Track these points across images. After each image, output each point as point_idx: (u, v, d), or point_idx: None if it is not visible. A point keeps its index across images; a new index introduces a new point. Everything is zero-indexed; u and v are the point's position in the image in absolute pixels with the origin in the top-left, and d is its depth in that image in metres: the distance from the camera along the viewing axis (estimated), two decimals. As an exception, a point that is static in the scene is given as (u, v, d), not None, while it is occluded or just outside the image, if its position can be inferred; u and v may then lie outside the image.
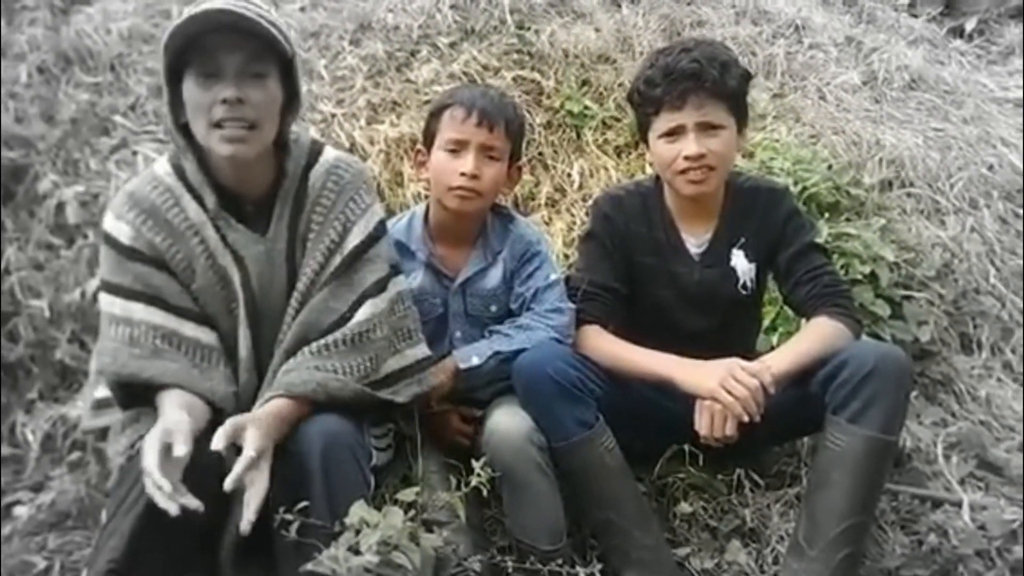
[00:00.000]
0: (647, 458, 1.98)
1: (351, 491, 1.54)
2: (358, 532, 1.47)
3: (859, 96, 3.35)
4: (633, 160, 2.87)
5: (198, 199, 1.68)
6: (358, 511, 1.49)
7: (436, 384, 1.84)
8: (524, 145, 2.13)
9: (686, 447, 1.90)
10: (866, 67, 3.51)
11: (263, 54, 1.61)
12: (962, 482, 2.20)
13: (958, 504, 2.09)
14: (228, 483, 1.44)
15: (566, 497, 1.81)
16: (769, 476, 2.12)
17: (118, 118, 2.90)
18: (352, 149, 2.68)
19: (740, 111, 1.92)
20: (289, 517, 1.47)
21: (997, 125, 3.38)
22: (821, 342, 1.83)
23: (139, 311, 1.64)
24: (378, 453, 1.76)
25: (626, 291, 1.98)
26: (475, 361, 1.89)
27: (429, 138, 1.97)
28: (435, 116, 1.95)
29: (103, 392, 1.73)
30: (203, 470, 1.47)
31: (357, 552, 1.44)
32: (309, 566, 1.43)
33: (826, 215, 2.66)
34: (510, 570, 1.76)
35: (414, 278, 1.95)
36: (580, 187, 2.79)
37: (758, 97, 3.13)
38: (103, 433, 1.86)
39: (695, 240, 2.00)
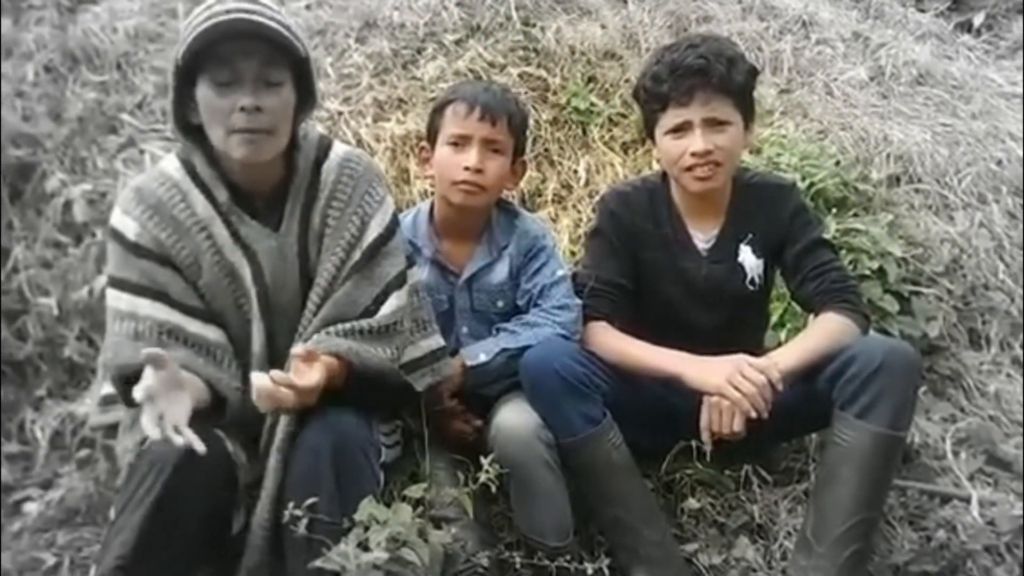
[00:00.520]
0: (654, 454, 1.98)
1: (361, 487, 1.54)
2: (367, 528, 1.47)
3: (866, 92, 3.34)
4: (640, 156, 2.87)
5: (208, 195, 1.69)
6: (367, 508, 1.50)
7: (449, 375, 1.84)
8: (529, 141, 2.13)
9: (693, 443, 1.89)
10: (873, 62, 3.50)
11: (278, 59, 1.62)
12: (971, 478, 2.19)
13: (967, 500, 2.09)
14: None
15: (573, 493, 1.81)
16: (777, 472, 2.11)
17: (125, 116, 2.90)
18: (358, 146, 2.67)
19: (747, 107, 1.91)
20: (299, 513, 1.47)
21: (1005, 120, 3.36)
22: (829, 338, 1.83)
23: (145, 306, 1.65)
24: (386, 450, 1.76)
25: (633, 287, 1.97)
26: (482, 358, 1.89)
27: (433, 134, 1.98)
28: (438, 112, 1.96)
29: (110, 388, 1.73)
30: (210, 464, 1.48)
31: (366, 548, 1.45)
32: (318, 562, 1.44)
33: (834, 211, 2.65)
34: (518, 566, 1.76)
35: (420, 274, 1.95)
36: (586, 183, 2.78)
37: (765, 93, 3.12)
38: (112, 430, 1.86)
39: (702, 236, 2.00)
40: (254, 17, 1.57)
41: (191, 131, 1.67)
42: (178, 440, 1.39)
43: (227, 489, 1.62)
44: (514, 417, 1.79)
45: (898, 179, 2.99)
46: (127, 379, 1.62)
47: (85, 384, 2.48)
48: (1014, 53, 4.07)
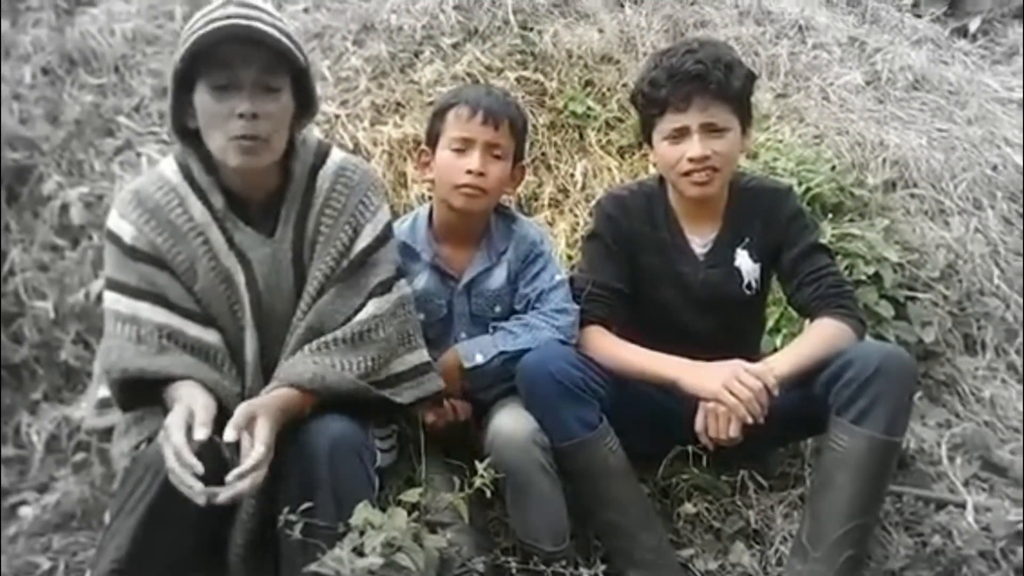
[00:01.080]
0: (651, 459, 1.99)
1: (357, 492, 1.54)
2: (362, 533, 1.47)
3: (863, 96, 3.35)
4: (636, 160, 2.87)
5: (204, 200, 1.68)
6: (362, 512, 1.49)
7: (437, 389, 1.83)
8: (527, 145, 2.13)
9: (690, 448, 1.89)
10: (870, 67, 3.51)
11: (277, 66, 1.61)
12: (966, 483, 2.19)
13: (962, 505, 2.09)
14: (234, 477, 1.43)
15: (570, 498, 1.81)
16: (773, 477, 2.12)
17: (122, 119, 2.90)
18: (356, 150, 2.69)
19: (744, 112, 1.92)
20: (293, 518, 1.47)
21: (1001, 126, 3.37)
22: (824, 343, 1.83)
23: (145, 310, 1.64)
24: (382, 454, 1.77)
25: (630, 292, 1.97)
26: (479, 359, 1.89)
27: (433, 138, 1.96)
28: (439, 116, 1.95)
29: (107, 392, 1.72)
30: (205, 469, 1.47)
31: (361, 553, 1.45)
32: (313, 567, 1.44)
33: (830, 216, 2.66)
34: (514, 571, 1.77)
35: (419, 280, 1.95)
36: (583, 188, 2.79)
37: (761, 98, 3.12)
38: (107, 434, 1.86)
39: (699, 240, 2.00)
40: (254, 23, 1.56)
41: (188, 136, 1.67)
42: (202, 499, 1.39)
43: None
44: (511, 422, 1.79)
45: (894, 184, 3.00)
46: (129, 384, 1.62)
47: (81, 388, 2.48)
48: (1010, 58, 4.08)
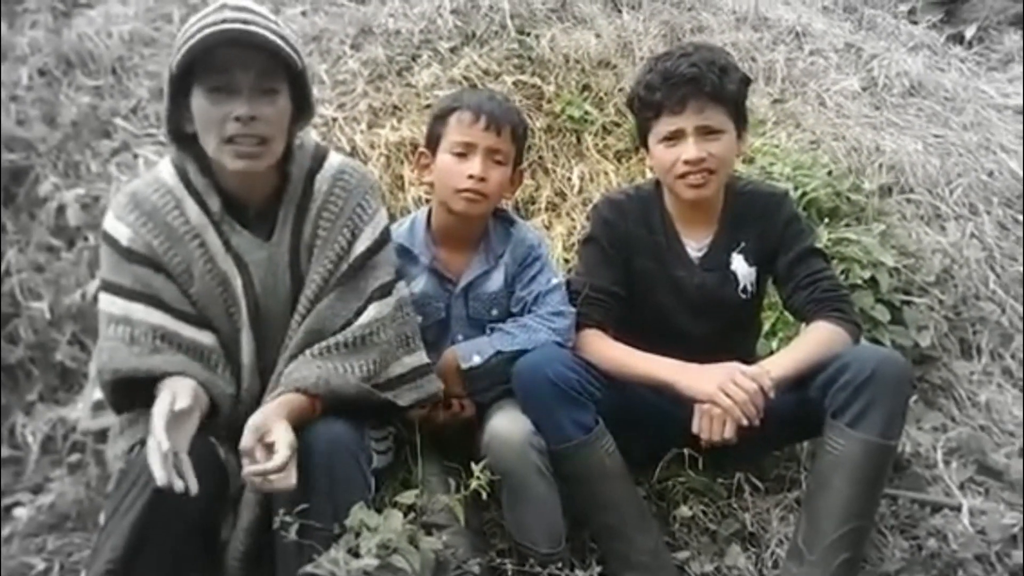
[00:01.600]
0: (647, 462, 1.99)
1: (353, 493, 1.54)
2: (358, 535, 1.47)
3: (859, 102, 3.36)
4: (633, 165, 2.88)
5: (200, 202, 1.68)
6: (358, 514, 1.49)
7: (435, 391, 1.83)
8: (525, 150, 2.13)
9: (686, 451, 1.89)
10: (866, 73, 3.52)
11: (274, 69, 1.61)
12: (962, 487, 2.20)
13: (958, 509, 2.09)
14: (255, 480, 1.46)
15: (565, 500, 1.81)
16: (769, 480, 2.12)
17: (119, 121, 2.90)
18: (353, 153, 2.68)
19: (739, 115, 1.92)
20: (289, 519, 1.47)
21: (997, 131, 3.38)
22: (820, 347, 1.84)
23: (139, 311, 1.64)
24: (378, 456, 1.76)
25: (626, 295, 1.98)
26: (476, 360, 1.89)
27: (434, 140, 1.96)
28: (441, 119, 1.94)
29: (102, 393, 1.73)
30: (201, 467, 1.47)
31: (357, 555, 1.45)
32: (309, 568, 1.44)
33: (826, 220, 2.66)
34: (509, 573, 1.76)
35: (417, 283, 1.95)
36: (580, 191, 2.79)
37: (758, 103, 3.13)
38: (103, 435, 1.86)
39: (695, 244, 2.00)
40: (250, 27, 1.56)
41: (185, 140, 1.66)
42: (178, 484, 1.40)
43: (217, 495, 1.62)
44: (507, 424, 1.79)
45: (890, 189, 3.00)
46: (121, 385, 1.62)
47: (77, 389, 2.47)
48: (1006, 65, 4.09)
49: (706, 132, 1.86)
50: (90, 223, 2.63)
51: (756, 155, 2.90)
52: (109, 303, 1.67)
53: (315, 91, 2.82)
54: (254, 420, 1.51)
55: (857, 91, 3.39)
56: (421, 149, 2.03)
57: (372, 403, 1.68)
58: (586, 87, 3.04)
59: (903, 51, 3.76)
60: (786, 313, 2.20)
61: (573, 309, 1.94)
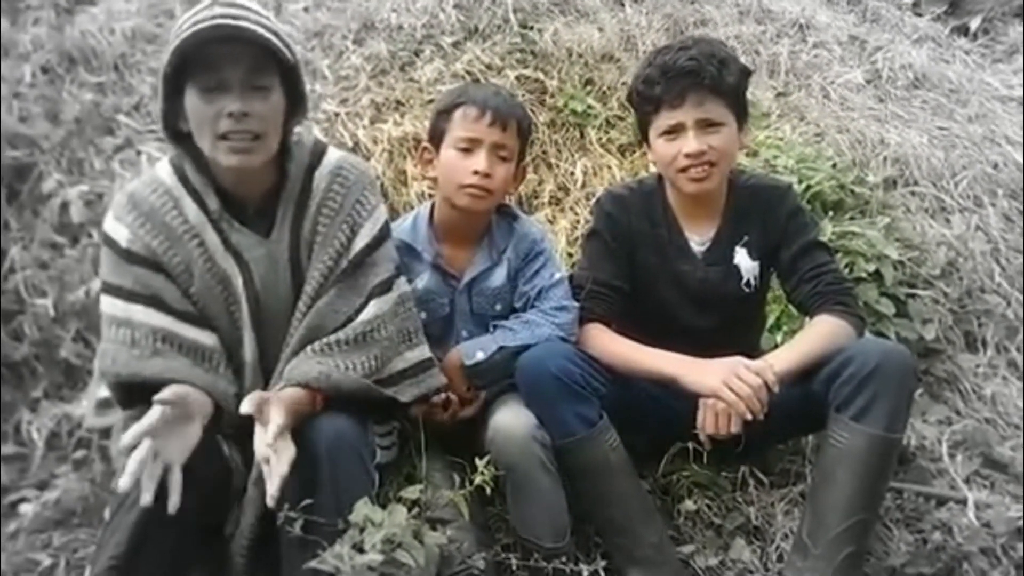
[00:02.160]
0: (651, 456, 1.99)
1: (357, 489, 1.54)
2: (362, 530, 1.47)
3: (863, 95, 3.35)
4: (636, 159, 2.87)
5: (199, 201, 1.68)
6: (362, 509, 1.49)
7: (438, 386, 1.83)
8: (529, 145, 2.13)
9: (690, 445, 1.89)
10: (870, 66, 3.51)
11: (266, 64, 1.60)
12: (967, 480, 2.19)
13: (963, 502, 2.09)
14: (261, 454, 1.47)
15: (569, 495, 1.81)
16: (773, 474, 2.12)
17: (122, 117, 2.91)
18: (356, 148, 2.69)
19: (740, 107, 1.92)
20: (293, 515, 1.47)
21: (1001, 123, 3.37)
22: (824, 340, 1.83)
23: (139, 313, 1.64)
24: (382, 451, 1.76)
25: (629, 289, 1.97)
26: (479, 356, 1.89)
27: (438, 135, 1.94)
28: (445, 114, 1.93)
29: (106, 392, 1.73)
30: (204, 466, 1.48)
31: (361, 550, 1.45)
32: (313, 563, 1.44)
33: (830, 213, 2.66)
34: (514, 568, 1.76)
35: (420, 279, 1.95)
36: (583, 186, 2.78)
37: (762, 96, 3.13)
38: (108, 431, 1.86)
39: (698, 238, 2.00)
40: (239, 22, 1.56)
41: (181, 138, 1.66)
42: (146, 498, 1.41)
43: (221, 491, 1.62)
44: (511, 418, 1.79)
45: (895, 182, 3.00)
46: (125, 386, 1.62)
47: (81, 385, 2.48)
48: (1010, 57, 4.08)
49: (706, 125, 1.85)
50: (94, 220, 2.63)
51: (760, 148, 2.89)
52: (110, 305, 1.67)
53: (318, 86, 2.86)
54: (255, 392, 1.53)
55: (861, 83, 3.39)
56: (424, 144, 2.01)
57: (374, 399, 1.68)
58: (589, 81, 3.04)
59: (907, 43, 3.75)
60: (790, 307, 2.19)
61: (576, 304, 1.93)
